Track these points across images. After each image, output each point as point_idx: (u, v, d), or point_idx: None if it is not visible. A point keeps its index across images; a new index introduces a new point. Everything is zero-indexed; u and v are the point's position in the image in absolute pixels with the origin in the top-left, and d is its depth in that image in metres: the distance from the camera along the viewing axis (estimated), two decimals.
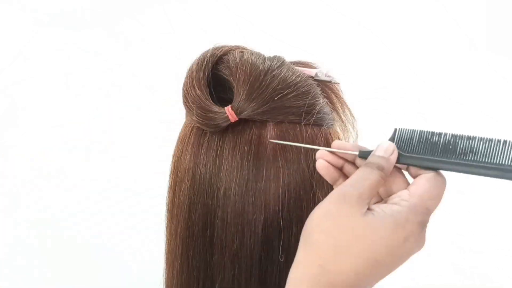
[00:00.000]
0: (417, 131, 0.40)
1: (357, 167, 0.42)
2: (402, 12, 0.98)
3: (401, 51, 0.97)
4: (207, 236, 0.46)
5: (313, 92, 0.46)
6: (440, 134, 0.40)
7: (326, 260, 0.35)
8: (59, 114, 0.95)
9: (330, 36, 0.97)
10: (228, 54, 0.47)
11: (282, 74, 0.44)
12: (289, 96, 0.44)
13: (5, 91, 0.95)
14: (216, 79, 0.47)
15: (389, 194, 0.40)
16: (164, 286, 0.52)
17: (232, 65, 0.45)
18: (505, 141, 0.37)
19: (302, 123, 0.45)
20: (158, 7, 0.97)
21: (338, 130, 0.50)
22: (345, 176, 0.42)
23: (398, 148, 0.40)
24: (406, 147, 0.40)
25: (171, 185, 0.50)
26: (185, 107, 0.47)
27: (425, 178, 0.38)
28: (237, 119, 0.44)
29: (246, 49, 0.49)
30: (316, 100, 0.46)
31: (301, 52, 0.55)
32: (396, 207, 0.37)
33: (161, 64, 0.94)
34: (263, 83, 0.44)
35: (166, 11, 0.97)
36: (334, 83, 0.51)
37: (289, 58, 0.49)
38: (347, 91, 0.53)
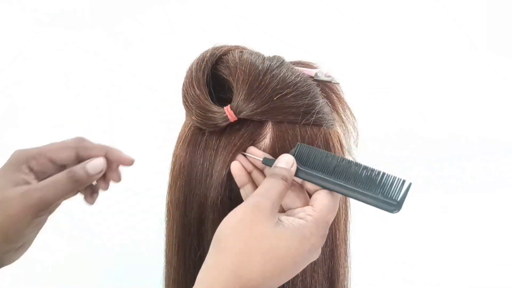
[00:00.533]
0: (316, 150, 0.43)
1: (264, 175, 0.45)
2: (402, 12, 0.98)
3: (401, 51, 0.97)
4: (202, 235, 0.46)
5: (313, 92, 0.46)
6: (334, 156, 0.43)
7: (238, 266, 0.37)
8: (59, 114, 0.95)
9: (330, 36, 0.97)
10: (228, 54, 0.47)
11: (282, 74, 0.44)
12: (288, 96, 0.44)
13: (5, 91, 0.95)
14: (216, 79, 0.47)
15: (294, 206, 0.43)
16: (164, 285, 0.52)
17: (232, 65, 0.45)
18: (383, 173, 0.41)
19: (302, 123, 0.45)
20: (158, 7, 0.97)
21: (339, 130, 0.50)
22: (252, 182, 0.45)
23: (297, 162, 0.43)
24: (305, 162, 0.43)
25: (170, 184, 0.50)
26: (184, 107, 0.47)
27: (323, 194, 0.42)
28: (236, 119, 0.44)
29: (246, 49, 0.49)
30: (315, 100, 0.46)
31: (301, 52, 0.55)
32: (303, 222, 0.40)
33: (161, 64, 0.94)
34: (263, 83, 0.44)
35: (166, 11, 0.97)
36: (334, 83, 0.51)
37: (289, 58, 0.49)
38: (347, 91, 0.53)
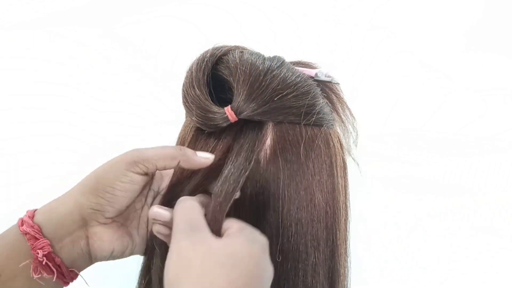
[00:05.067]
0: None
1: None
2: (401, 11, 0.98)
3: (401, 51, 0.97)
4: None
5: (313, 92, 0.46)
6: None
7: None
8: (58, 115, 0.95)
9: (329, 37, 0.97)
10: (228, 54, 0.47)
11: (282, 75, 0.44)
12: (289, 97, 0.44)
13: (5, 91, 0.95)
14: (216, 79, 0.47)
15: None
16: None
17: (232, 65, 0.45)
18: None
19: (302, 124, 0.45)
20: (158, 7, 0.97)
21: (338, 130, 0.50)
22: None
23: None
24: None
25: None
26: (184, 107, 0.47)
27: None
28: (236, 119, 0.44)
29: (246, 49, 0.49)
30: (316, 101, 0.46)
31: (301, 52, 0.55)
32: (234, 230, 0.38)
33: (161, 64, 0.94)
34: (263, 83, 0.43)
35: (166, 11, 0.97)
36: (334, 83, 0.51)
37: (289, 58, 0.49)
38: (347, 91, 0.53)
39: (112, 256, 0.46)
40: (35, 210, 0.44)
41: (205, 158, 0.44)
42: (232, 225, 0.39)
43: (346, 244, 0.50)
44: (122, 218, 0.46)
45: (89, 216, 0.44)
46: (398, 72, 0.98)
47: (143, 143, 0.97)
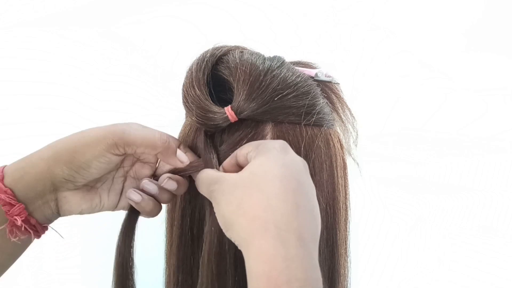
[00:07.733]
0: None
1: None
2: (402, 12, 0.98)
3: (401, 51, 0.97)
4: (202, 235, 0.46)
5: (313, 92, 0.46)
6: None
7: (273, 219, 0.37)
8: (58, 115, 0.95)
9: (329, 37, 0.97)
10: (228, 54, 0.47)
11: (282, 75, 0.44)
12: (289, 97, 0.44)
13: (5, 91, 0.95)
14: (216, 79, 0.47)
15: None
16: (164, 286, 0.52)
17: (232, 65, 0.45)
18: None
19: (302, 124, 0.45)
20: (158, 7, 0.97)
21: (338, 130, 0.50)
22: None
23: None
24: None
25: None
26: (184, 107, 0.47)
27: None
28: (237, 119, 0.44)
29: (246, 49, 0.49)
30: (316, 101, 0.46)
31: (301, 52, 0.55)
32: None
33: (161, 64, 0.94)
34: (263, 83, 0.43)
35: (166, 11, 0.97)
36: (334, 83, 0.51)
37: (289, 58, 0.49)
38: (347, 91, 0.53)
39: (80, 213, 0.47)
40: (2, 169, 0.43)
41: (180, 161, 0.46)
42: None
43: (346, 244, 0.50)
44: (94, 181, 0.47)
45: (60, 184, 0.44)
46: (398, 72, 0.97)
47: None
